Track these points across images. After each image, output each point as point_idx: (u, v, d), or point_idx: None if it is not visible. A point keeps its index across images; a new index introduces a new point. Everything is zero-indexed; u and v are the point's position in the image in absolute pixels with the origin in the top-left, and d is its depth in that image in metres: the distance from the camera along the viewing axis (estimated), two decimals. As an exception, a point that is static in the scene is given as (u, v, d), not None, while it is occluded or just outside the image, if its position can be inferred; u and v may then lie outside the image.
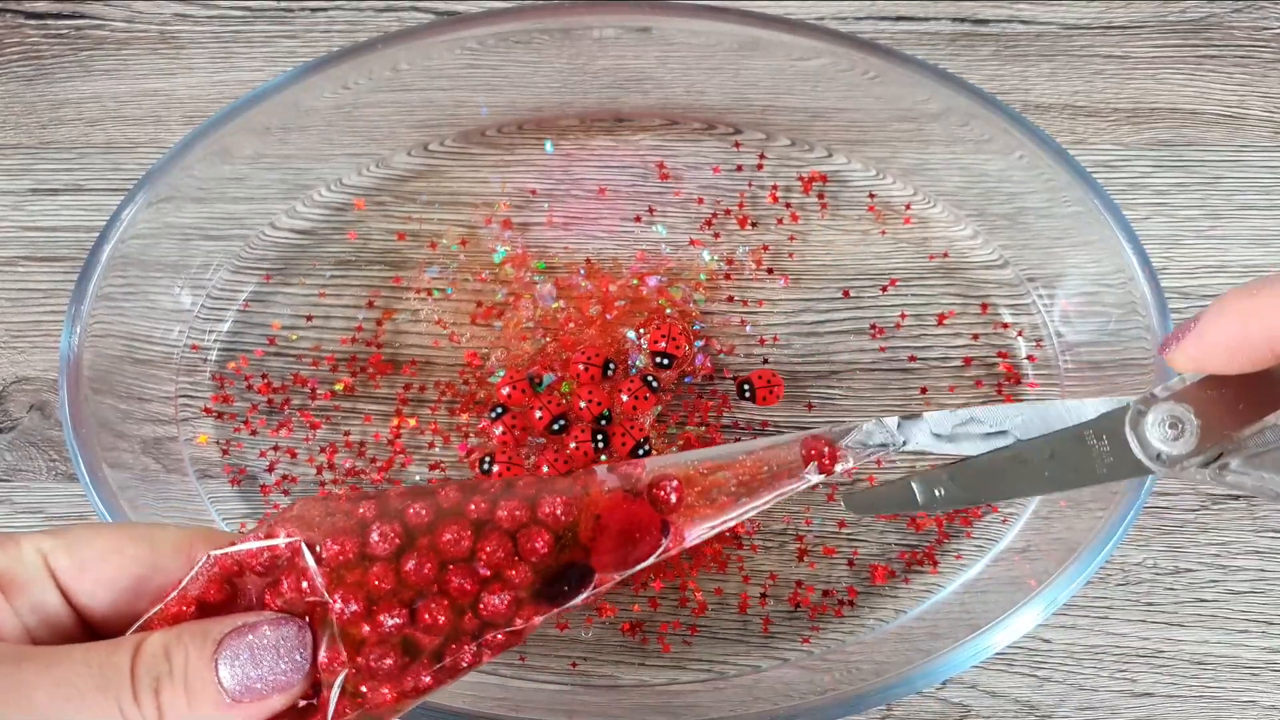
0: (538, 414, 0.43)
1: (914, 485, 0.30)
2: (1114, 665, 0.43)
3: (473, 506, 0.29)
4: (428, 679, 0.28)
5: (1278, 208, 0.49)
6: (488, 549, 0.29)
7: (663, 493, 0.31)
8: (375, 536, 0.28)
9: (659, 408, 0.45)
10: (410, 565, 0.28)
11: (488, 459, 0.44)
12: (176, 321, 0.46)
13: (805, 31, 0.45)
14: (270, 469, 0.45)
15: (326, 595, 0.28)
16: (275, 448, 0.45)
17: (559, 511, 0.30)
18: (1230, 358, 0.27)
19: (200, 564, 0.28)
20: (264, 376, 0.46)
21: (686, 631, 0.43)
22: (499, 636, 0.29)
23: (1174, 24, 0.52)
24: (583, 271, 0.47)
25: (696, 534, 0.31)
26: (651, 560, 0.30)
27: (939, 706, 0.43)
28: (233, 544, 0.28)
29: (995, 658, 0.43)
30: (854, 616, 0.43)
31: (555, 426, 0.44)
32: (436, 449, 0.45)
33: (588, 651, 0.42)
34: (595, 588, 0.30)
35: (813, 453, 0.32)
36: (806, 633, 0.43)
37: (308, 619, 0.28)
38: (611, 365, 0.44)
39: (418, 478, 0.45)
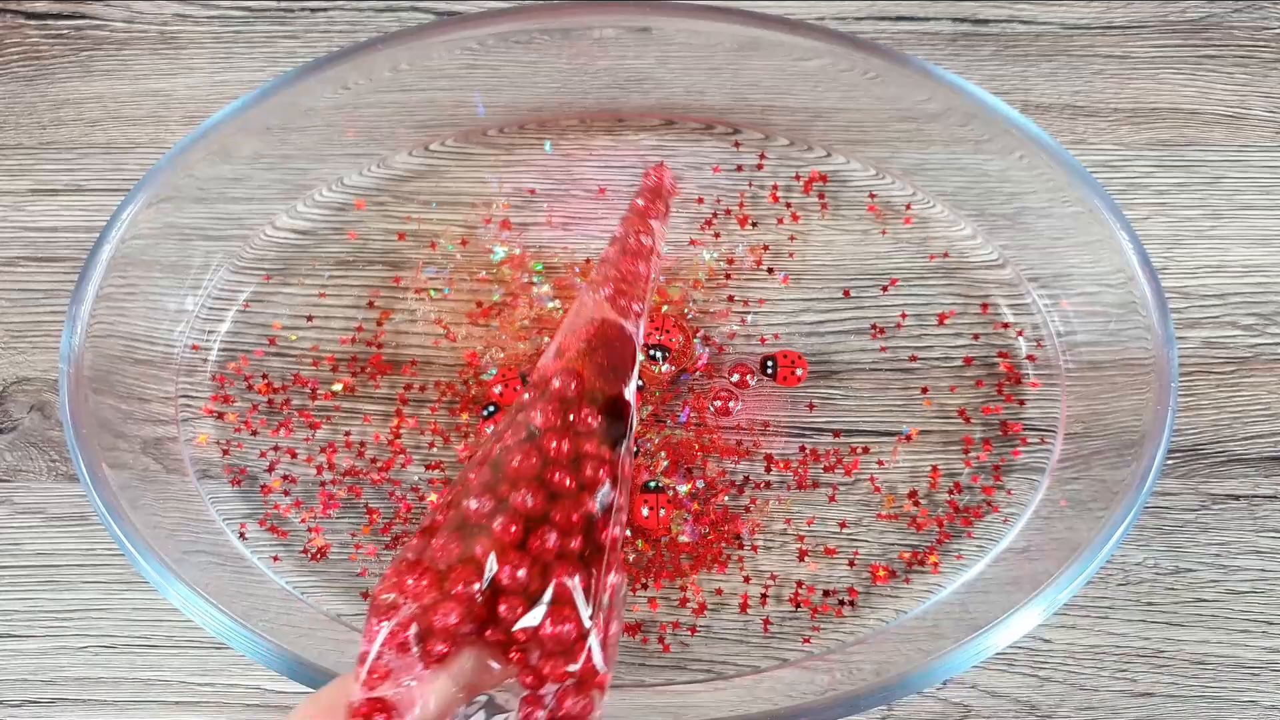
0: None
1: None
2: (1114, 665, 0.43)
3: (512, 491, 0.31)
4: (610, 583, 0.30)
5: (1278, 208, 0.49)
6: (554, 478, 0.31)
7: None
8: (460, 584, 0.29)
9: (648, 407, 0.45)
10: (538, 542, 0.30)
11: None
12: (176, 321, 0.46)
13: (805, 31, 0.45)
14: (270, 469, 0.45)
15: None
16: (275, 448, 0.45)
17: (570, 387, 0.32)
18: None
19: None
20: (264, 377, 0.46)
21: (686, 632, 0.43)
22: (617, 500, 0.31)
23: (1174, 24, 0.52)
24: (578, 270, 0.47)
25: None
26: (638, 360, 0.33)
27: (939, 706, 0.43)
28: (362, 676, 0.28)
29: (995, 658, 0.43)
30: (854, 616, 0.43)
31: None
32: (436, 449, 0.45)
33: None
34: (625, 412, 0.32)
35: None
36: (806, 633, 0.43)
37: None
38: None
39: (416, 478, 0.45)
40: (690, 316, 0.47)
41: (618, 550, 0.31)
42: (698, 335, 0.46)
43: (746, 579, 0.44)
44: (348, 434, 0.45)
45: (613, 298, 0.34)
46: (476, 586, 0.29)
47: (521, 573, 0.29)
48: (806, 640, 0.43)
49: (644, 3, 0.46)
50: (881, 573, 0.44)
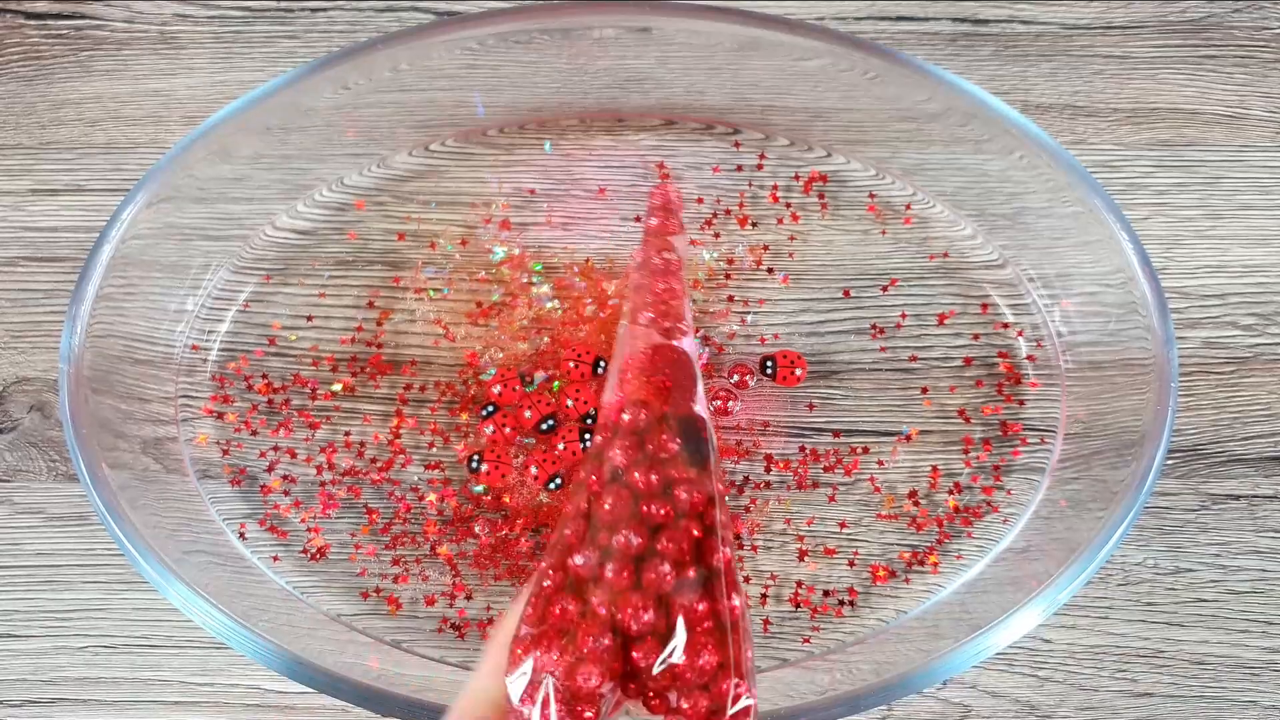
0: (527, 413, 0.44)
1: None
2: (1114, 665, 0.43)
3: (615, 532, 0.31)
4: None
5: (1278, 208, 0.49)
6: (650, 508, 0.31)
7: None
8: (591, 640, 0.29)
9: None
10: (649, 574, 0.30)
11: (476, 457, 0.44)
12: (176, 321, 0.46)
13: (805, 31, 0.45)
14: (270, 469, 0.45)
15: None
16: (275, 448, 0.45)
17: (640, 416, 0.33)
18: None
19: None
20: (264, 377, 0.46)
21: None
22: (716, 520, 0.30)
23: (1174, 24, 0.52)
24: (576, 270, 0.47)
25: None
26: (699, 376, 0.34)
27: (939, 706, 0.43)
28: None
29: (995, 658, 0.43)
30: (854, 616, 0.43)
31: (544, 426, 0.44)
32: (435, 449, 0.45)
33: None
34: (700, 428, 0.32)
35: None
36: (806, 633, 0.43)
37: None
38: (602, 363, 0.44)
39: (416, 478, 0.45)
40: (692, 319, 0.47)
41: (733, 571, 0.30)
42: (698, 335, 0.46)
43: (746, 579, 0.44)
44: (347, 434, 0.45)
45: (655, 322, 0.34)
46: (606, 641, 0.28)
47: (647, 615, 0.28)
48: (806, 640, 0.43)
49: (644, 3, 0.45)
50: (881, 573, 0.44)
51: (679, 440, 0.32)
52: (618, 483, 0.31)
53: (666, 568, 0.29)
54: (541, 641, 0.29)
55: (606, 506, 0.30)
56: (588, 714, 0.28)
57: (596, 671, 0.28)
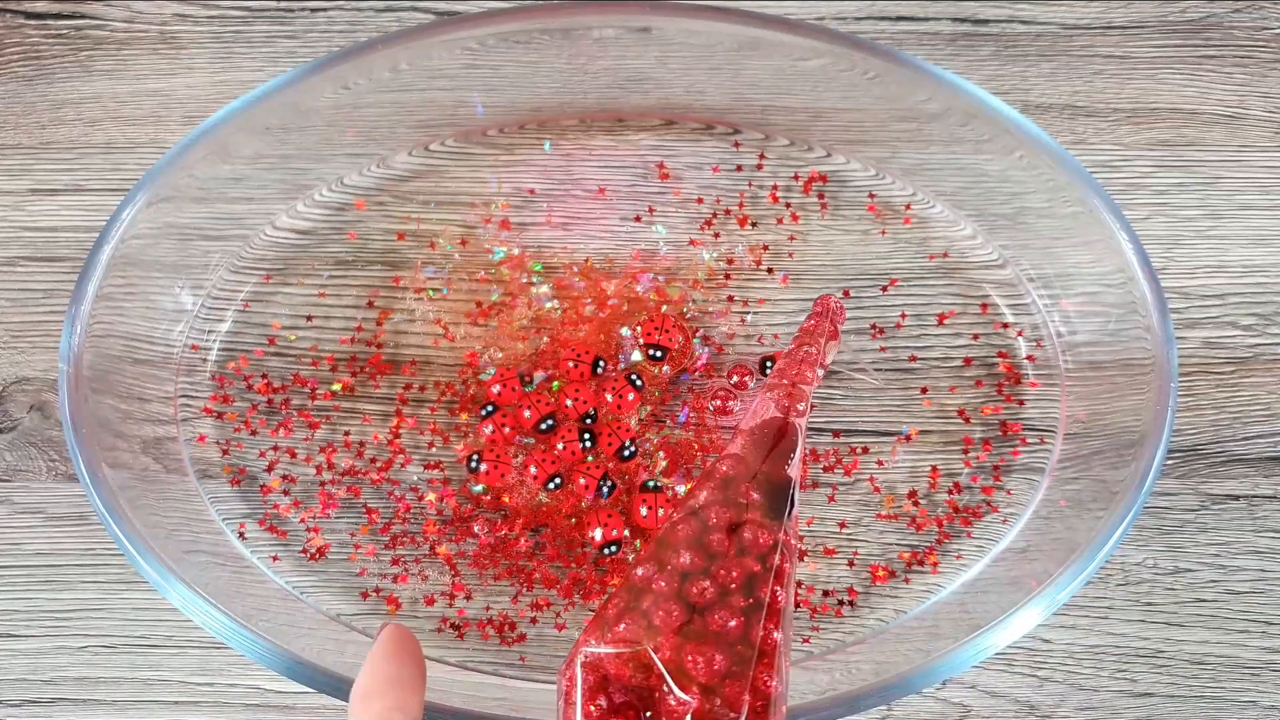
0: (526, 413, 0.44)
1: None
2: (1114, 665, 0.43)
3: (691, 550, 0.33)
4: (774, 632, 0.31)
5: (1278, 208, 0.49)
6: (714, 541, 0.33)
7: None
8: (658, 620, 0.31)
9: (646, 407, 0.45)
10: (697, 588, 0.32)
11: (475, 456, 0.44)
12: (176, 321, 0.46)
13: (805, 31, 0.45)
14: (270, 469, 0.45)
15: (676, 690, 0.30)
16: (275, 448, 0.45)
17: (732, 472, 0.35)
18: None
19: None
20: (264, 376, 0.46)
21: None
22: (781, 565, 0.33)
23: (1174, 24, 0.52)
24: (576, 269, 0.47)
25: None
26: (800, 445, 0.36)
27: (939, 706, 0.43)
28: None
29: (995, 658, 0.43)
30: (854, 616, 0.43)
31: (543, 426, 0.44)
32: (435, 449, 0.45)
33: (587, 651, 0.42)
34: (789, 492, 0.35)
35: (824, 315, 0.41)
36: (806, 633, 0.43)
37: None
38: (601, 363, 0.44)
39: (416, 478, 0.45)
40: (690, 316, 0.47)
41: (783, 615, 0.32)
42: (697, 335, 0.46)
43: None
44: (347, 434, 0.45)
45: (778, 401, 0.37)
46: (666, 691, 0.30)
47: (676, 612, 0.31)
48: (806, 640, 0.43)
49: (644, 3, 0.46)
50: (881, 573, 0.44)
51: (761, 493, 0.34)
52: (693, 515, 0.34)
53: (707, 583, 0.31)
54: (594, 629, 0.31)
55: (676, 527, 0.33)
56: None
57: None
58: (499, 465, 0.43)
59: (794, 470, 0.36)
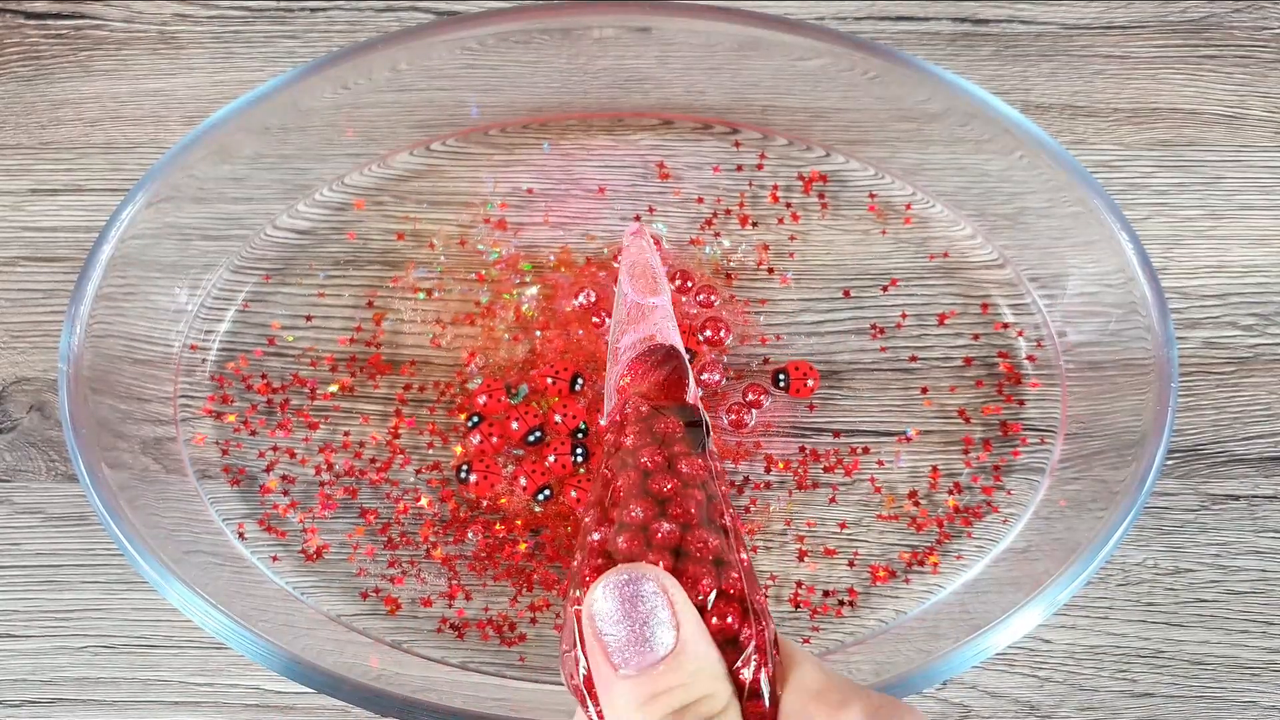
0: (514, 425, 0.44)
1: None
2: (1114, 665, 0.43)
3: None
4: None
5: (1278, 208, 0.49)
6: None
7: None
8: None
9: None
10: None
11: (465, 466, 0.44)
12: (175, 321, 0.46)
13: (805, 31, 0.45)
14: (269, 469, 0.45)
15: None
16: (274, 448, 0.45)
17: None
18: None
19: None
20: (263, 377, 0.46)
21: (686, 632, 0.43)
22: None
23: (1174, 24, 0.52)
24: (552, 258, 0.47)
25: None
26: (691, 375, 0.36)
27: (939, 706, 0.43)
28: None
29: (995, 658, 0.43)
30: (854, 616, 0.43)
31: (531, 438, 0.44)
32: (434, 449, 0.45)
33: (587, 652, 0.42)
34: (700, 417, 0.35)
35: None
36: (806, 633, 0.43)
37: None
38: (579, 379, 0.44)
39: (414, 478, 0.45)
40: (694, 314, 0.47)
41: (740, 533, 0.31)
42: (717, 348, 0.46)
43: (746, 579, 0.44)
44: (346, 434, 0.45)
45: (637, 291, 0.38)
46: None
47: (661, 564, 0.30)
48: (806, 640, 0.43)
49: (644, 3, 0.46)
50: (881, 573, 0.44)
51: (683, 424, 0.34)
52: (628, 466, 0.33)
53: (669, 526, 0.30)
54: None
55: (618, 485, 0.32)
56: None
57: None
58: (489, 475, 0.43)
59: (692, 394, 0.36)
